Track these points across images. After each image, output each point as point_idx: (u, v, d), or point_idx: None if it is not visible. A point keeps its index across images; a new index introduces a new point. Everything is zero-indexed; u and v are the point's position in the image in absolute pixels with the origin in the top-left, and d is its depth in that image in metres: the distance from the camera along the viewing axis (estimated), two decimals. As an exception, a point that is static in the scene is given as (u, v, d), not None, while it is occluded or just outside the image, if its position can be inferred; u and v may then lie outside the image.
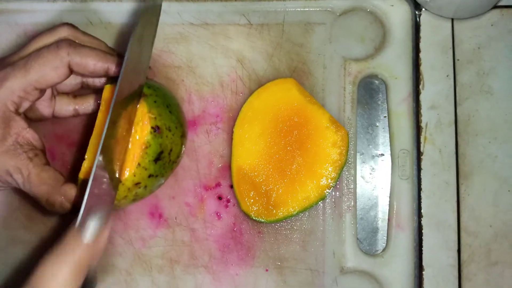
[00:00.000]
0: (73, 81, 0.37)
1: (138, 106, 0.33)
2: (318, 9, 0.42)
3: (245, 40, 0.42)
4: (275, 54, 0.42)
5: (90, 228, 0.26)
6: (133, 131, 0.32)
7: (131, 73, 0.31)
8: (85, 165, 0.33)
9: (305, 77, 0.42)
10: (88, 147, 0.33)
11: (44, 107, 0.37)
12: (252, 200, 0.39)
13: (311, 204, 0.38)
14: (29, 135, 0.34)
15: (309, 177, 0.38)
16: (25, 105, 0.33)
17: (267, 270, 0.40)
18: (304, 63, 0.42)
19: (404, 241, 0.40)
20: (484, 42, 0.42)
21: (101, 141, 0.28)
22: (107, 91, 0.34)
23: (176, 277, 0.40)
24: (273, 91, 0.40)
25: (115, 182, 0.30)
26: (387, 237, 0.40)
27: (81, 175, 0.33)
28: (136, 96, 0.33)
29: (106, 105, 0.34)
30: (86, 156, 0.33)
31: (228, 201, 0.41)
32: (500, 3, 0.42)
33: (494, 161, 0.41)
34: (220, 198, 0.41)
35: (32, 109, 0.36)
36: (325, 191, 0.38)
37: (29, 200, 0.35)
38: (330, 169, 0.38)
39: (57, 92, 0.38)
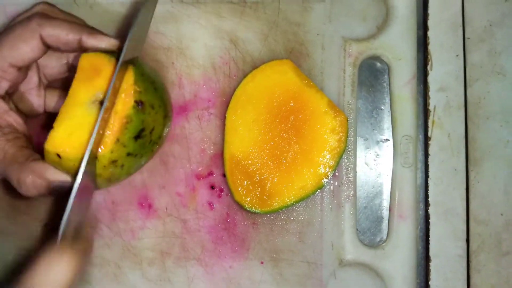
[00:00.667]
0: (58, 63, 0.35)
1: (125, 73, 0.31)
2: (316, -15, 0.40)
3: (239, 19, 0.40)
4: (270, 34, 0.40)
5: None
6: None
7: (134, 42, 0.30)
8: (52, 134, 0.30)
9: (303, 59, 0.39)
10: (58, 117, 0.31)
11: (34, 97, 0.36)
12: (245, 190, 0.37)
13: (308, 194, 0.36)
14: (11, 118, 0.33)
15: (306, 166, 0.36)
16: (4, 85, 0.32)
17: (262, 263, 0.38)
18: (301, 44, 0.39)
19: (406, 232, 0.38)
20: (496, 19, 0.40)
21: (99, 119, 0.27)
22: (84, 60, 0.32)
23: (167, 270, 0.39)
24: (268, 73, 0.37)
25: (91, 161, 0.29)
26: (389, 227, 0.38)
27: (47, 145, 0.30)
28: (128, 65, 0.31)
29: (83, 74, 0.31)
30: (54, 125, 0.31)
31: (221, 190, 0.39)
32: None
33: (506, 146, 0.39)
34: (212, 187, 0.39)
35: (22, 99, 0.35)
36: (322, 180, 0.36)
37: (13, 190, 0.33)
38: (328, 156, 0.36)
39: (46, 80, 0.36)
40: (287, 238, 0.38)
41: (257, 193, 0.37)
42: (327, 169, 0.36)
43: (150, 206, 0.40)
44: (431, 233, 0.38)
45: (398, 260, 0.38)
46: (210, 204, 0.39)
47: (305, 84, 0.37)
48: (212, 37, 0.40)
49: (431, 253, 0.38)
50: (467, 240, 0.39)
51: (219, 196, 0.39)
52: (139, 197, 0.40)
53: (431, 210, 0.38)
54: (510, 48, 0.40)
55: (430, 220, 0.38)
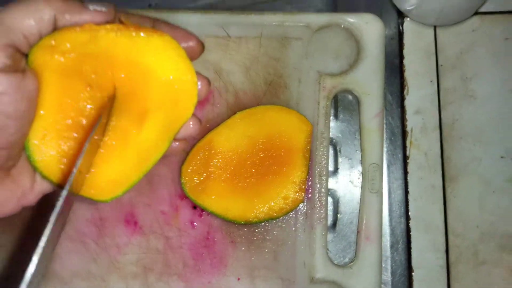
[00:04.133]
0: None
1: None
2: (295, 24, 0.43)
3: (223, 52, 0.43)
4: (252, 67, 0.43)
5: None
6: None
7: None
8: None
9: (281, 91, 0.43)
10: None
11: None
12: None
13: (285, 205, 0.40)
14: None
15: (279, 176, 0.40)
16: None
17: (239, 279, 0.41)
18: (280, 77, 0.43)
19: (372, 253, 0.41)
20: (466, 47, 0.44)
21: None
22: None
23: (150, 285, 0.41)
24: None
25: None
26: (356, 248, 0.41)
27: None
28: None
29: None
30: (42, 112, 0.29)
31: (202, 210, 0.42)
32: (480, 10, 0.43)
33: (478, 163, 0.42)
34: (194, 207, 0.42)
35: None
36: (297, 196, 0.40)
37: None
38: (300, 158, 0.40)
39: None
40: (263, 256, 0.41)
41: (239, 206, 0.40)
42: (300, 173, 0.40)
43: (135, 223, 0.42)
44: (412, 245, 0.41)
45: (365, 279, 0.40)
46: (192, 223, 0.42)
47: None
48: (198, 67, 0.43)
49: (413, 264, 0.41)
50: (447, 252, 0.41)
51: (200, 215, 0.42)
52: (126, 214, 0.42)
53: (411, 224, 0.41)
54: (480, 73, 0.43)
55: (411, 233, 0.41)
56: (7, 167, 0.28)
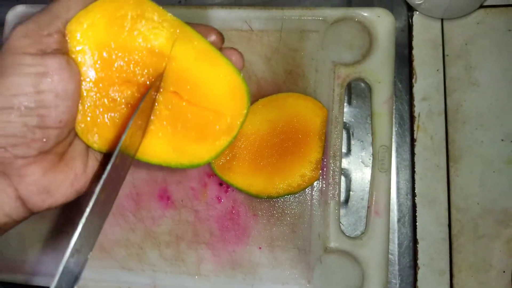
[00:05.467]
0: None
1: None
2: (312, 18, 0.47)
3: (246, 44, 0.47)
4: (273, 57, 0.47)
5: None
6: None
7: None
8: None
9: (299, 79, 0.47)
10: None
11: None
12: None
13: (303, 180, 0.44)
14: None
15: (298, 156, 0.44)
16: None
17: (260, 248, 0.46)
18: (298, 67, 0.47)
19: (380, 226, 0.45)
20: (471, 39, 0.47)
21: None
22: None
23: (181, 252, 0.46)
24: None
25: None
26: (366, 222, 0.45)
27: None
28: None
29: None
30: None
31: (228, 186, 0.46)
32: (485, 4, 0.46)
33: (480, 145, 0.45)
34: (221, 184, 0.47)
35: None
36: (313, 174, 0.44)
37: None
38: (316, 140, 0.44)
39: None
40: (282, 228, 0.46)
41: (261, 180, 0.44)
42: (317, 153, 0.44)
43: (168, 198, 0.47)
44: (417, 219, 0.45)
45: (373, 249, 0.44)
46: (218, 198, 0.47)
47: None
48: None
49: (418, 237, 0.45)
50: (449, 226, 0.45)
51: (226, 191, 0.47)
52: (160, 191, 0.47)
53: (417, 200, 0.45)
54: (484, 63, 0.46)
55: (416, 208, 0.45)
56: (60, 151, 0.30)
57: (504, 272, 0.44)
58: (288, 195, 0.44)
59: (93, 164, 0.32)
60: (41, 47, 0.27)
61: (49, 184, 0.29)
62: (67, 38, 0.29)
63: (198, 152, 0.33)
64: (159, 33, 0.30)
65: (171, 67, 0.31)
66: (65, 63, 0.28)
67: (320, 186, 0.45)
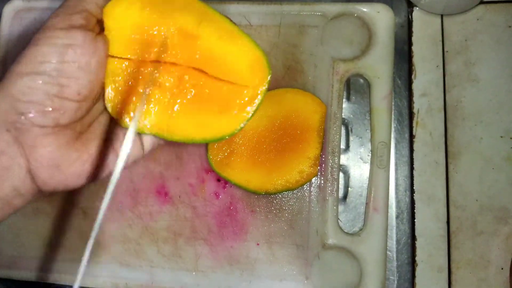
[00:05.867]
0: None
1: None
2: (311, 13, 0.47)
3: (245, 39, 0.47)
4: (271, 53, 0.47)
5: None
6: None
7: None
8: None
9: (298, 75, 0.47)
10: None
11: None
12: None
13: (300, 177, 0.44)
14: None
15: (296, 152, 0.44)
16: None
17: (258, 244, 0.46)
18: (297, 62, 0.47)
19: (379, 222, 0.45)
20: (470, 35, 0.46)
21: None
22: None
23: (179, 248, 0.46)
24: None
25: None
26: (365, 218, 0.45)
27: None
28: None
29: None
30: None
31: (225, 182, 0.46)
32: (485, 0, 0.46)
33: (479, 142, 0.45)
34: (219, 180, 0.46)
35: None
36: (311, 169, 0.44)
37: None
38: (314, 136, 0.44)
39: None
40: (280, 224, 0.46)
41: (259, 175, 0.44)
42: (315, 149, 0.43)
43: (166, 194, 0.47)
44: (416, 216, 0.45)
45: (371, 245, 0.44)
46: (216, 194, 0.47)
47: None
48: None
49: (416, 233, 0.44)
50: (448, 222, 0.44)
51: (224, 187, 0.46)
52: (157, 186, 0.47)
53: (416, 196, 0.45)
54: (483, 59, 0.46)
55: (415, 205, 0.45)
56: (79, 130, 0.31)
57: (502, 269, 0.44)
58: (286, 191, 0.44)
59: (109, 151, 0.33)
60: (69, 23, 0.29)
61: (61, 159, 0.29)
62: (102, 19, 0.31)
63: (222, 125, 0.34)
64: (186, 16, 0.33)
65: (197, 46, 0.33)
66: (90, 38, 0.30)
67: (319, 182, 0.45)
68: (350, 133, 0.47)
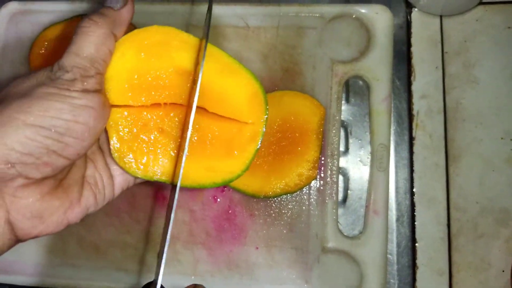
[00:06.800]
0: None
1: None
2: (309, 14, 0.46)
3: (242, 41, 0.47)
4: (270, 55, 0.47)
5: None
6: None
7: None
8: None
9: (297, 77, 0.46)
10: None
11: None
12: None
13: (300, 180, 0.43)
14: None
15: (295, 154, 0.43)
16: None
17: (257, 248, 0.45)
18: (295, 64, 0.46)
19: (379, 225, 0.44)
20: (470, 36, 0.46)
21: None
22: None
23: (177, 252, 0.46)
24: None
25: None
26: (364, 222, 0.45)
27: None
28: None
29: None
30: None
31: (224, 186, 0.46)
32: (484, 0, 0.46)
33: (479, 144, 0.45)
34: (217, 183, 0.46)
35: None
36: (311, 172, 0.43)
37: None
38: (313, 137, 0.43)
39: None
40: (279, 228, 0.45)
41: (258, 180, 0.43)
42: (314, 152, 0.43)
43: (163, 198, 0.47)
44: (416, 219, 0.44)
45: (372, 249, 0.44)
46: (214, 198, 0.46)
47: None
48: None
49: (417, 236, 0.44)
50: (448, 225, 0.44)
51: (222, 191, 0.46)
52: (155, 191, 0.47)
53: (416, 199, 0.45)
54: (483, 60, 0.46)
55: (415, 208, 0.45)
56: (59, 177, 0.30)
57: (503, 271, 0.43)
58: (285, 194, 0.44)
59: (87, 195, 0.32)
60: (84, 87, 0.29)
61: (43, 209, 0.29)
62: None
63: (229, 167, 0.34)
64: (183, 54, 0.33)
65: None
66: (103, 102, 0.30)
67: (318, 185, 0.45)
68: (349, 135, 0.47)
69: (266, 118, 0.35)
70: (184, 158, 0.31)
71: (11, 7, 0.50)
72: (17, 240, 0.29)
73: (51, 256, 0.47)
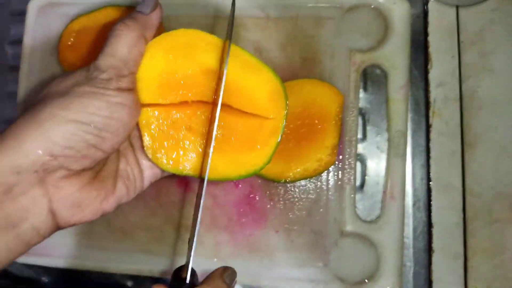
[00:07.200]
0: None
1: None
2: (328, 5, 0.47)
3: (262, 32, 0.48)
4: (288, 44, 0.48)
5: None
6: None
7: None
8: None
9: (315, 66, 0.47)
10: None
11: None
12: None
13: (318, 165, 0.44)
14: None
15: (314, 141, 0.45)
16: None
17: (277, 232, 0.47)
18: (314, 53, 0.48)
19: (396, 210, 0.45)
20: (485, 25, 0.47)
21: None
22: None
23: (200, 235, 0.48)
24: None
25: None
26: (381, 206, 0.46)
27: None
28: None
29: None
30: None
31: (245, 172, 0.47)
32: None
33: (495, 131, 0.46)
34: (238, 169, 0.48)
35: None
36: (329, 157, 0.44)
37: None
38: (332, 127, 0.44)
39: None
40: (298, 212, 0.47)
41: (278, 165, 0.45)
42: (332, 138, 0.44)
43: (187, 183, 0.48)
44: (432, 204, 0.45)
45: (388, 232, 0.45)
46: (236, 183, 0.48)
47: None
48: (241, 46, 0.48)
49: (433, 221, 0.45)
50: (464, 210, 0.45)
51: (244, 176, 0.48)
52: (178, 177, 0.49)
53: (432, 185, 0.46)
54: (498, 49, 0.46)
55: (431, 193, 0.46)
56: (97, 169, 0.33)
57: (518, 255, 0.44)
58: (304, 179, 0.45)
59: (120, 186, 0.35)
60: (119, 86, 0.31)
61: (82, 199, 0.31)
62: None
63: (253, 160, 0.37)
64: (208, 54, 0.35)
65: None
66: (135, 100, 0.33)
67: (336, 171, 0.46)
68: (367, 122, 0.48)
69: (286, 113, 0.37)
70: (210, 153, 0.34)
71: (40, 0, 0.52)
72: (58, 227, 0.31)
73: (80, 239, 0.50)
